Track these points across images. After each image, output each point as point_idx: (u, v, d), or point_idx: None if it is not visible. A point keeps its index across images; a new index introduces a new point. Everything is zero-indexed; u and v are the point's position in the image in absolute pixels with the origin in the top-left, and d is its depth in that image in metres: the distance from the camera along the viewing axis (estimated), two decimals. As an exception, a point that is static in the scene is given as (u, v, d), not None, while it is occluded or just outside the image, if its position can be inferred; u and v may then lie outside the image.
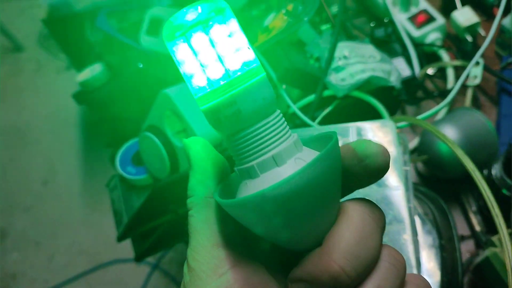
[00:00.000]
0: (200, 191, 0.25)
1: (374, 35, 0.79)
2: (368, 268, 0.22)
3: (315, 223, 0.23)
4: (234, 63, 0.24)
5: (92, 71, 0.79)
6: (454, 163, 0.60)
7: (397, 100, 0.68)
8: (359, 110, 0.65)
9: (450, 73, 0.76)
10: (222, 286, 0.23)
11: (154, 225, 0.69)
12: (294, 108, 0.63)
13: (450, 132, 0.62)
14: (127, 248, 0.83)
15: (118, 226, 0.71)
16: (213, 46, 0.24)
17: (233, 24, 0.24)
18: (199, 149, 0.26)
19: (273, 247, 0.25)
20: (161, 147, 0.62)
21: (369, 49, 0.67)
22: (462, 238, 0.62)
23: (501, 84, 0.73)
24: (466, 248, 0.62)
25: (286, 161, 0.23)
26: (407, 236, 0.47)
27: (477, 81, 0.72)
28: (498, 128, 0.69)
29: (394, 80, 0.65)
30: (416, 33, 0.78)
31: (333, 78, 0.63)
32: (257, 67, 0.24)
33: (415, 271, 0.46)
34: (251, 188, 0.24)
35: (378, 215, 0.24)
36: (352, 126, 0.55)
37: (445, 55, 0.77)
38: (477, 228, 0.62)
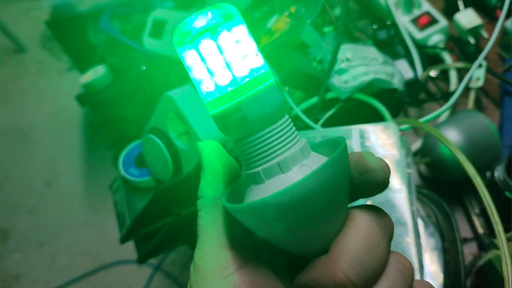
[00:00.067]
0: (210, 193, 0.26)
1: (376, 37, 0.79)
2: (375, 277, 0.22)
3: (318, 230, 0.23)
4: (242, 70, 0.24)
5: (95, 73, 0.80)
6: (457, 165, 0.60)
7: (399, 102, 0.68)
8: (362, 113, 0.65)
9: (453, 75, 0.76)
10: (228, 287, 0.23)
11: (157, 227, 0.69)
12: (297, 110, 0.63)
13: (452, 135, 0.62)
14: (129, 249, 0.83)
15: (121, 228, 0.71)
16: (221, 52, 0.24)
17: (242, 30, 0.24)
18: (211, 152, 0.27)
19: (280, 250, 0.25)
20: (164, 149, 0.62)
21: (372, 52, 0.67)
22: (465, 240, 0.62)
23: (504, 86, 0.73)
24: (469, 251, 0.61)
25: (292, 168, 0.23)
26: (410, 239, 0.47)
27: (480, 83, 0.72)
28: (501, 131, 0.69)
29: (397, 82, 0.65)
30: (418, 35, 0.78)
31: (336, 80, 0.63)
32: (266, 73, 0.24)
33: (417, 274, 0.46)
34: (256, 194, 0.24)
35: (386, 223, 0.24)
36: (355, 128, 0.55)
37: (448, 57, 0.77)
38: (480, 230, 0.62)
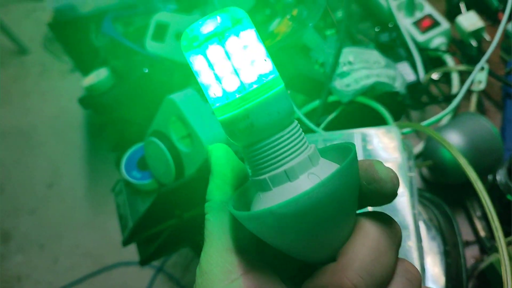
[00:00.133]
0: (218, 196, 0.26)
1: (378, 40, 0.79)
2: (383, 285, 0.22)
3: (325, 239, 0.23)
4: (250, 76, 0.23)
5: (98, 76, 0.80)
6: (459, 168, 0.60)
7: (401, 105, 0.68)
8: (364, 116, 0.65)
9: (455, 78, 0.76)
10: None
11: (159, 230, 0.69)
12: (299, 113, 0.63)
13: (454, 138, 0.62)
14: (131, 251, 0.83)
15: (123, 231, 0.71)
16: (228, 58, 0.23)
17: (251, 35, 0.24)
18: (220, 155, 0.27)
19: (287, 256, 0.25)
20: (166, 153, 0.62)
21: (374, 55, 0.68)
22: (467, 243, 0.62)
23: (506, 89, 0.73)
24: (471, 254, 0.61)
25: (299, 176, 0.23)
26: (412, 243, 0.48)
27: (482, 86, 0.72)
28: (503, 134, 0.69)
29: (398, 86, 0.65)
30: (420, 38, 0.78)
31: (338, 83, 0.63)
32: (275, 78, 0.24)
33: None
34: (262, 202, 0.23)
35: (395, 231, 0.24)
36: (357, 132, 0.55)
37: (450, 60, 0.77)
38: (482, 233, 0.62)
